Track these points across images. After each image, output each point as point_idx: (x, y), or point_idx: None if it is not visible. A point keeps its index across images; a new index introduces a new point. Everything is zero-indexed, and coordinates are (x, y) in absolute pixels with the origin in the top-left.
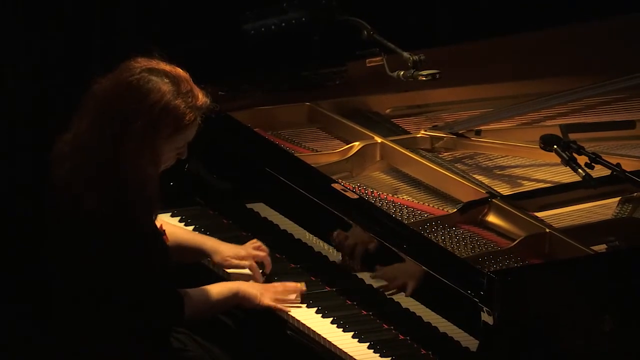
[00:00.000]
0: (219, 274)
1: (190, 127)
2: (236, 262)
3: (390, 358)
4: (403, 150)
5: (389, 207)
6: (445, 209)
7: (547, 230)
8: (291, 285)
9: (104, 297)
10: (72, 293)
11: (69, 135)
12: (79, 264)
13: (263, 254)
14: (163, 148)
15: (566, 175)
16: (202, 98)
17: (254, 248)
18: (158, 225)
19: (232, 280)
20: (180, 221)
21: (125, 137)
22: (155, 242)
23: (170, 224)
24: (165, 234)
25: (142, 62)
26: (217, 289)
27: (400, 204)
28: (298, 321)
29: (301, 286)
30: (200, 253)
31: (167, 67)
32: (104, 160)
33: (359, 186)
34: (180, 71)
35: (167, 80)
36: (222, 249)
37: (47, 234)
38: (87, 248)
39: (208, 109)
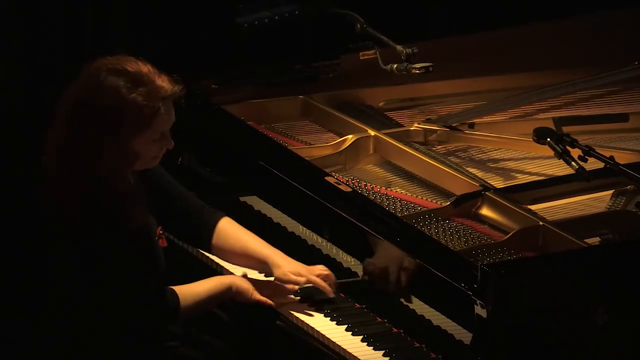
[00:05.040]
0: (212, 267)
1: (155, 118)
2: (294, 278)
3: (383, 351)
4: (396, 143)
5: (383, 200)
6: (439, 202)
7: (541, 223)
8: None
9: (98, 300)
10: (66, 294)
11: (46, 143)
12: (70, 268)
13: (318, 279)
14: (133, 145)
15: (559, 168)
16: (167, 87)
17: (318, 274)
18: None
19: (226, 274)
20: None
21: (90, 140)
22: (145, 242)
23: (242, 228)
24: (162, 237)
25: (103, 64)
26: (210, 284)
27: (393, 197)
28: (291, 314)
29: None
30: (263, 263)
31: (127, 64)
32: (76, 166)
33: (352, 179)
34: (141, 65)
35: (123, 77)
36: (285, 264)
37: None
38: (74, 254)
39: (177, 96)
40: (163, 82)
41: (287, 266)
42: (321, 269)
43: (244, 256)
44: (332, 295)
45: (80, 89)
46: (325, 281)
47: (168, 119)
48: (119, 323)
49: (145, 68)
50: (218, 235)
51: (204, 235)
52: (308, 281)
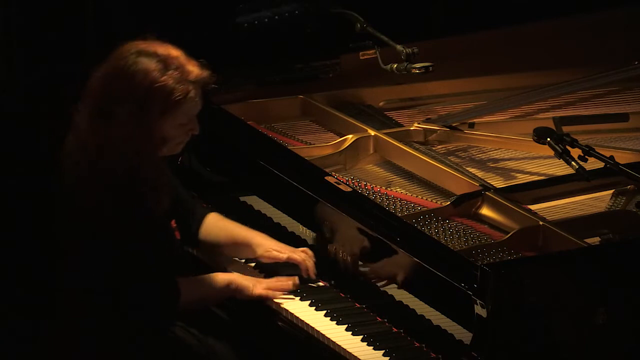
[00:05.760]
0: (213, 266)
1: (185, 102)
2: (275, 253)
3: (383, 351)
4: (396, 143)
5: (383, 199)
6: (439, 202)
7: (541, 223)
8: (284, 278)
9: (107, 289)
10: (75, 287)
11: (72, 128)
12: (85, 257)
13: (301, 256)
14: (162, 127)
15: (560, 168)
16: (196, 72)
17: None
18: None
19: (228, 272)
20: None
21: (116, 121)
22: (162, 232)
23: (226, 220)
24: (176, 230)
25: (133, 46)
26: (211, 280)
27: (393, 196)
28: (292, 314)
29: (295, 280)
30: (248, 247)
31: (157, 47)
32: (100, 147)
33: (352, 179)
34: (171, 49)
35: (155, 60)
36: (267, 243)
37: (53, 228)
38: (91, 241)
39: (206, 81)
40: (193, 67)
41: (268, 244)
42: (303, 250)
43: (231, 244)
44: (312, 275)
45: (111, 71)
46: (305, 262)
47: (197, 103)
48: (123, 313)
49: (175, 52)
50: (205, 229)
51: (194, 233)
52: (289, 258)
